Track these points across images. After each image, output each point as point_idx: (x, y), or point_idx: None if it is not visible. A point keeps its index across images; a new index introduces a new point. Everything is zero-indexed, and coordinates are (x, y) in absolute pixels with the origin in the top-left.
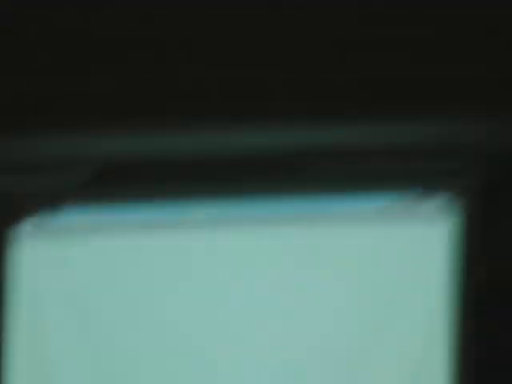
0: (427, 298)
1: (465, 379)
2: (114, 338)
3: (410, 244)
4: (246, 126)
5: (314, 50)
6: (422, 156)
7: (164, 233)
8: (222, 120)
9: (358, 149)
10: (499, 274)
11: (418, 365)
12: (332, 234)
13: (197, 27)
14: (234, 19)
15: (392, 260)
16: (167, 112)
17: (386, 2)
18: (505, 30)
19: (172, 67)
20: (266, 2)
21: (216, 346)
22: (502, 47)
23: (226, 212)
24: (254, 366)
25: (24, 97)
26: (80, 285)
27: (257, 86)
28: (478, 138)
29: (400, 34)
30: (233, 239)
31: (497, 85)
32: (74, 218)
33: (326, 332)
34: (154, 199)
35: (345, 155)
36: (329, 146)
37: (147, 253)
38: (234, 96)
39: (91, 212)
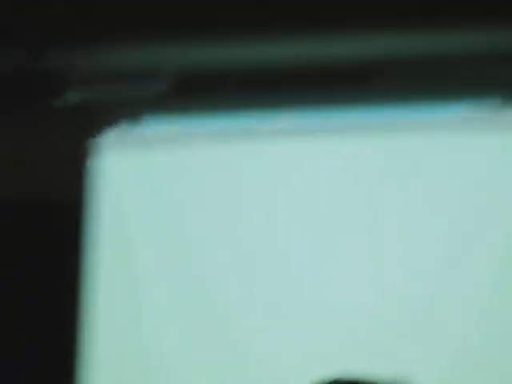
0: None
1: None
2: (200, 251)
3: (490, 156)
4: (325, 36)
5: None
6: (500, 64)
7: (243, 143)
8: (299, 31)
9: (435, 57)
10: None
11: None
12: (411, 144)
13: None
14: None
15: (470, 173)
16: (246, 22)
17: None
18: None
19: None
20: None
21: (299, 264)
22: None
23: (306, 122)
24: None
25: (103, 8)
26: (164, 196)
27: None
28: None
29: None
30: (311, 149)
31: None
32: (153, 129)
33: (402, 256)
34: (231, 110)
35: (423, 63)
36: (406, 55)
37: (228, 162)
38: (309, 9)
39: (171, 123)
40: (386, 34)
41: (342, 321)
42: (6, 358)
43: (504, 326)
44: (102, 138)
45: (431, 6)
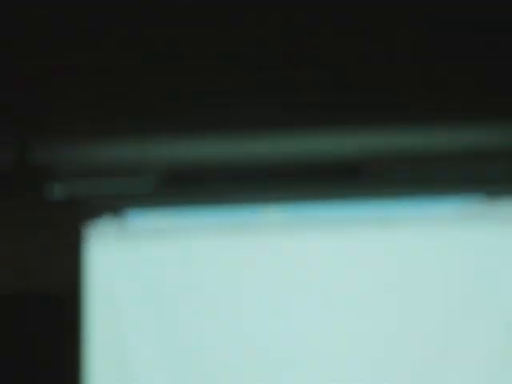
0: (506, 298)
1: None
2: (189, 336)
3: (485, 247)
4: (313, 132)
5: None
6: (490, 159)
7: (234, 234)
8: (286, 127)
9: (425, 153)
10: None
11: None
12: (401, 238)
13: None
14: None
15: (468, 262)
16: (233, 118)
17: None
18: None
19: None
20: None
21: (294, 346)
22: None
23: (297, 214)
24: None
25: (91, 104)
26: (154, 284)
27: (323, 93)
28: None
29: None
30: (304, 241)
31: None
32: (142, 222)
33: (407, 334)
34: (219, 203)
35: (413, 159)
36: (393, 152)
37: (218, 253)
38: (297, 106)
39: (159, 216)
40: (374, 131)
41: None
42: None
43: None
44: (91, 230)
45: (417, 104)
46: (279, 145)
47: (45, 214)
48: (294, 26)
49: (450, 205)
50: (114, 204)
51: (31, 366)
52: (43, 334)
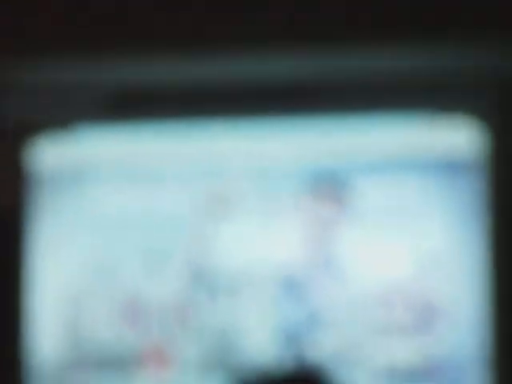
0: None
1: None
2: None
3: (435, 163)
4: (261, 54)
5: None
6: (441, 78)
7: (177, 152)
8: (238, 48)
9: (378, 71)
10: None
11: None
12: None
13: None
14: None
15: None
16: (182, 38)
17: None
18: None
19: None
20: None
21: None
22: None
23: (243, 132)
24: None
25: (40, 20)
26: (94, 199)
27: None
28: (495, 60)
29: None
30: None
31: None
32: (90, 142)
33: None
34: (165, 124)
35: (366, 77)
36: (339, 73)
37: (156, 161)
38: (250, 25)
39: (106, 135)
40: (320, 52)
41: None
42: None
43: None
44: (35, 149)
45: (366, 23)
46: (232, 66)
47: None
48: None
49: (399, 122)
50: (60, 123)
51: None
52: None
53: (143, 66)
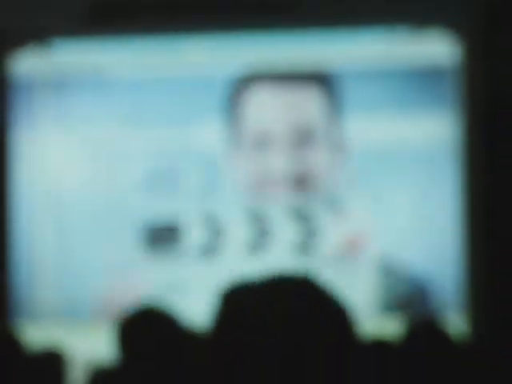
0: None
1: None
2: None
3: (414, 76)
4: None
5: None
6: None
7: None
8: None
9: None
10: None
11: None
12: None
13: None
14: None
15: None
16: None
17: None
18: None
19: None
20: None
21: None
22: None
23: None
24: None
25: None
26: (76, 113)
27: None
28: None
29: None
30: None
31: None
32: (70, 54)
33: None
34: (144, 36)
35: None
36: None
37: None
38: None
39: (83, 48)
40: None
41: None
42: None
43: None
44: (17, 61)
45: None
46: None
47: None
48: None
49: (377, 36)
50: (41, 35)
51: None
52: None
53: None
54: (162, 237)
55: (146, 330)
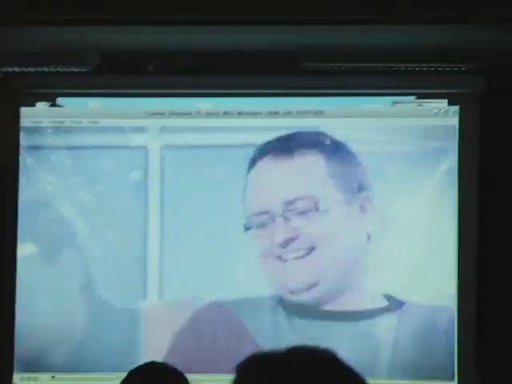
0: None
1: None
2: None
3: (416, 142)
4: (250, 24)
5: None
6: (425, 59)
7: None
8: (220, 17)
9: (359, 49)
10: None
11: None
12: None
13: None
14: None
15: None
16: (168, 6)
17: None
18: None
19: None
20: None
21: None
22: None
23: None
24: None
25: None
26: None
27: None
28: (478, 45)
29: None
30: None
31: None
32: (74, 105)
33: None
34: (151, 91)
35: (346, 55)
36: (331, 45)
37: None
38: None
39: (91, 100)
40: (311, 24)
41: None
42: None
43: None
44: (25, 112)
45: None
46: (217, 35)
47: None
48: None
49: (382, 101)
50: (49, 87)
51: None
52: None
53: None
54: None
55: None
